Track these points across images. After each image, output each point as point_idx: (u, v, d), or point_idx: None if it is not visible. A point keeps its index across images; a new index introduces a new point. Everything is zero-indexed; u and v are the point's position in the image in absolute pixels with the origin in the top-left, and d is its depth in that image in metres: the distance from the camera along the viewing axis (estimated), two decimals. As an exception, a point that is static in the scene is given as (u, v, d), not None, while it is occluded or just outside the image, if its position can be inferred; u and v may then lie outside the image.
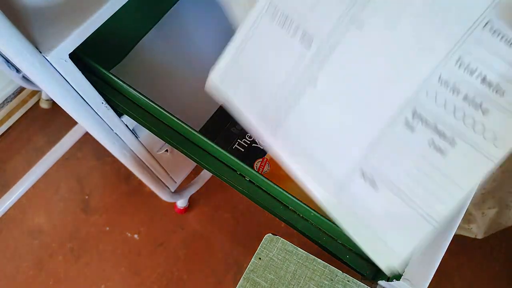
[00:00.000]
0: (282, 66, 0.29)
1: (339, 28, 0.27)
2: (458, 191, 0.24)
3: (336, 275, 0.34)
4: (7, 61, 0.65)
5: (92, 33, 0.36)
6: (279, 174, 0.43)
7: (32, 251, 0.87)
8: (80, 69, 0.37)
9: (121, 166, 0.56)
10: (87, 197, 0.92)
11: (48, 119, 1.00)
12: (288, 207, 0.37)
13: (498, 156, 0.23)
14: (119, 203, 0.91)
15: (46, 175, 0.80)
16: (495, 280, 0.79)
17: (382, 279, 0.34)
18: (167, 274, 0.84)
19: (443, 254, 0.34)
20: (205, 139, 0.38)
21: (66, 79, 0.37)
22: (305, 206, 0.35)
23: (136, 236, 0.88)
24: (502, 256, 0.80)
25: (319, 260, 0.35)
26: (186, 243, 0.87)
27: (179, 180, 0.71)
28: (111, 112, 0.44)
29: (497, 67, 0.23)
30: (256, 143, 0.44)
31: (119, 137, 0.49)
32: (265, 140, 0.31)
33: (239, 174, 0.38)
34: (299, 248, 0.35)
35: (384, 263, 0.26)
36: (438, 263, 0.34)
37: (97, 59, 0.40)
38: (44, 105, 0.99)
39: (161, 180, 0.65)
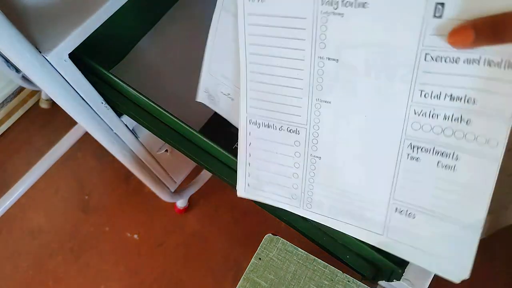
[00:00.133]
0: (287, 156, 0.33)
1: (313, 112, 0.31)
2: (482, 194, 0.26)
3: (336, 275, 0.34)
4: (7, 61, 0.65)
5: (92, 33, 0.36)
6: (279, 174, 0.43)
7: (32, 251, 0.87)
8: (80, 69, 0.37)
9: (121, 166, 0.56)
10: (87, 197, 0.92)
11: (48, 119, 1.00)
12: (288, 207, 0.37)
13: (497, 155, 0.25)
14: (119, 203, 0.91)
15: (46, 175, 0.80)
16: (495, 280, 0.79)
17: (382, 279, 0.34)
18: (167, 274, 0.84)
19: (443, 254, 0.34)
20: (205, 139, 0.38)
21: (66, 79, 0.37)
22: (305, 206, 0.35)
23: (135, 236, 0.88)
24: (502, 256, 0.80)
25: (319, 260, 0.35)
26: (186, 243, 0.87)
27: (179, 180, 0.71)
28: (111, 112, 0.44)
29: (456, 82, 0.25)
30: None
31: (119, 137, 0.49)
32: (303, 215, 0.34)
33: (239, 174, 0.38)
34: (299, 248, 0.35)
35: (456, 277, 0.29)
36: (438, 263, 0.34)
37: (96, 59, 0.40)
38: (44, 105, 0.99)
39: (161, 180, 0.65)
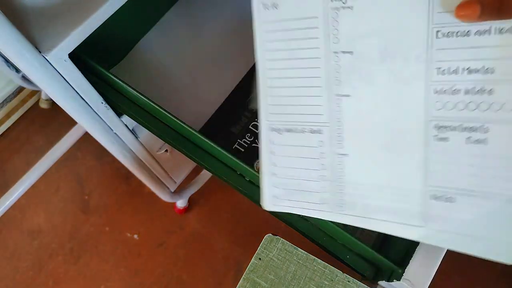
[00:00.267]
0: (313, 158, 0.33)
1: (334, 109, 0.31)
2: None
3: (336, 276, 0.34)
4: (7, 61, 0.65)
5: (92, 33, 0.36)
6: (279, 174, 0.43)
7: (32, 251, 0.87)
8: (79, 69, 0.37)
9: (121, 166, 0.56)
10: (86, 197, 0.92)
11: (48, 119, 1.00)
12: (288, 207, 0.37)
13: None
14: (119, 203, 0.91)
15: (45, 175, 0.80)
16: (496, 280, 0.79)
17: (382, 279, 0.34)
18: (167, 274, 0.84)
19: (443, 254, 0.34)
20: (205, 139, 0.38)
21: (66, 79, 0.37)
22: (305, 206, 0.35)
23: (136, 236, 0.88)
24: (502, 256, 0.80)
25: (319, 260, 0.35)
26: (186, 243, 0.87)
27: (179, 180, 0.71)
28: (110, 112, 0.44)
29: (471, 55, 0.25)
30: (256, 143, 0.44)
31: (118, 137, 0.49)
32: (335, 219, 0.33)
33: (239, 174, 0.38)
34: (299, 248, 0.35)
35: (509, 258, 0.28)
36: (439, 263, 0.34)
37: (96, 59, 0.40)
38: (43, 105, 0.99)
39: (161, 180, 0.65)
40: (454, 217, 0.29)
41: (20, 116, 0.99)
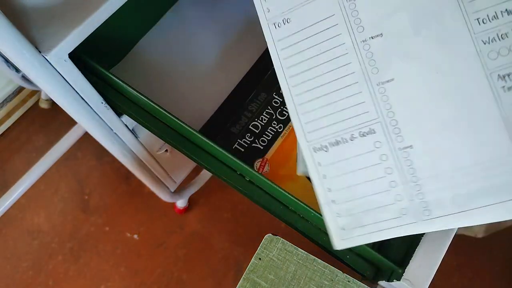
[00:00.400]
0: (374, 165, 0.28)
1: (380, 100, 0.28)
2: None
3: (337, 276, 0.34)
4: (7, 60, 0.65)
5: (92, 33, 0.36)
6: (279, 174, 0.43)
7: (32, 251, 0.87)
8: (79, 69, 0.37)
9: (121, 166, 0.56)
10: (86, 197, 0.92)
11: (48, 119, 1.00)
12: (288, 207, 0.37)
13: None
14: (119, 203, 0.91)
15: (45, 175, 0.80)
16: (495, 280, 0.79)
17: (382, 279, 0.34)
18: (167, 274, 0.84)
19: (443, 254, 0.34)
20: (205, 139, 0.38)
21: (66, 79, 0.37)
22: (305, 206, 0.35)
23: (136, 236, 0.88)
24: (502, 255, 0.80)
25: (319, 260, 0.35)
26: (186, 243, 0.87)
27: (179, 180, 0.71)
28: (110, 112, 0.44)
29: None
30: (256, 143, 0.44)
31: (118, 137, 0.49)
32: (426, 229, 0.29)
33: (239, 174, 0.38)
34: (299, 248, 0.35)
35: None
36: (439, 263, 0.34)
37: (96, 59, 0.40)
38: (43, 105, 0.99)
39: (160, 180, 0.65)
40: None
41: (20, 116, 0.99)
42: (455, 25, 0.26)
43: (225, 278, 0.83)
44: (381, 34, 0.27)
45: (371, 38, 0.28)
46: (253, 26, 0.55)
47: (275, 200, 0.37)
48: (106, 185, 0.93)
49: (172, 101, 0.50)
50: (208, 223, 0.88)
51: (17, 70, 0.69)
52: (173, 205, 0.88)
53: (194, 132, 0.38)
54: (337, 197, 0.29)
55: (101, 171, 0.94)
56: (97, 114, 0.43)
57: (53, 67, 0.35)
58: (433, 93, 0.27)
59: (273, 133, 0.44)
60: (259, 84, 0.47)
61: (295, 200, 0.35)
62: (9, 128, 0.98)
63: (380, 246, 0.39)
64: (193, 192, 0.85)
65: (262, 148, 0.44)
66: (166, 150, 0.59)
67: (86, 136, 0.74)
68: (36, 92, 0.98)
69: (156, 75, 0.53)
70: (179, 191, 0.76)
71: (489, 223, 0.65)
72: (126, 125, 0.48)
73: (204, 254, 0.85)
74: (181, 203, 0.86)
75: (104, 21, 0.36)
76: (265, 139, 0.44)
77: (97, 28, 0.36)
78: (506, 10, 0.25)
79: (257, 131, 0.45)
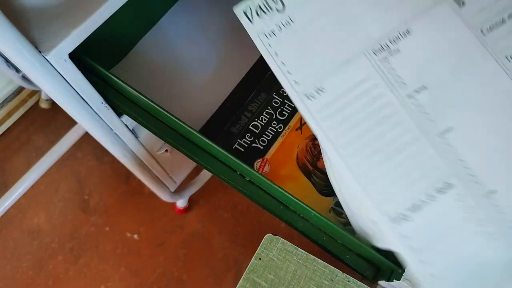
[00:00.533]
0: (462, 222, 0.26)
1: (447, 151, 0.26)
2: None
3: (337, 275, 0.34)
4: (7, 60, 0.65)
5: (92, 33, 0.36)
6: (279, 174, 0.43)
7: (32, 251, 0.87)
8: (80, 69, 0.37)
9: (121, 166, 0.56)
10: (86, 197, 0.92)
11: (48, 119, 1.00)
12: (288, 207, 0.37)
13: None
14: (119, 203, 0.91)
15: (45, 175, 0.80)
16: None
17: (382, 279, 0.34)
18: (167, 274, 0.84)
19: (443, 254, 0.34)
20: (205, 139, 0.38)
21: (66, 79, 0.37)
22: (305, 206, 0.35)
23: (136, 236, 0.88)
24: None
25: (319, 260, 0.35)
26: (186, 243, 0.87)
27: (179, 180, 0.71)
28: (111, 112, 0.44)
29: None
30: (256, 143, 0.44)
31: (119, 137, 0.49)
32: None
33: (239, 174, 0.38)
34: (299, 248, 0.35)
35: None
36: (439, 263, 0.34)
37: (97, 59, 0.40)
38: (43, 105, 0.99)
39: (161, 180, 0.65)
40: None
41: (20, 116, 0.99)
42: (488, 65, 0.26)
43: (225, 278, 0.83)
44: (424, 86, 0.27)
45: (416, 92, 0.27)
46: (253, 26, 0.55)
47: (275, 200, 0.37)
48: (106, 185, 0.93)
49: (172, 101, 0.50)
50: (208, 223, 0.88)
51: (17, 70, 0.69)
52: (173, 205, 0.88)
53: (194, 132, 0.38)
54: (436, 269, 0.26)
55: (101, 171, 0.94)
56: (97, 114, 0.43)
57: (53, 67, 0.35)
58: (496, 133, 0.26)
59: (273, 133, 0.44)
60: (259, 84, 0.47)
61: (295, 200, 0.35)
62: (9, 128, 0.98)
63: (380, 246, 0.39)
64: (193, 192, 0.85)
65: (262, 148, 0.44)
66: (166, 150, 0.59)
67: (86, 136, 0.74)
68: (36, 92, 0.98)
69: (156, 75, 0.53)
70: (179, 191, 0.76)
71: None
72: (126, 125, 0.48)
73: (204, 254, 0.85)
74: (181, 203, 0.86)
75: (104, 21, 0.36)
76: (265, 139, 0.44)
77: (97, 28, 0.36)
78: None
79: (257, 131, 0.45)
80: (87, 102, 0.41)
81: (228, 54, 0.53)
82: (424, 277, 0.27)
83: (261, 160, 0.43)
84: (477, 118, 0.27)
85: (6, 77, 0.88)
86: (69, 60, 0.36)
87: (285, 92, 0.46)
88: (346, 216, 0.40)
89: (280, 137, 0.44)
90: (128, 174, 0.92)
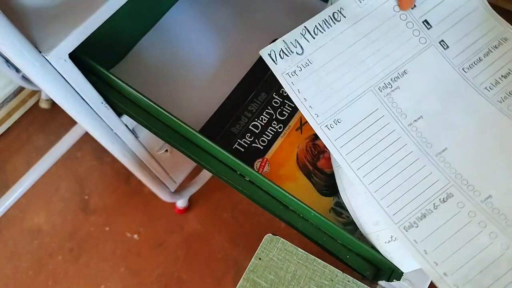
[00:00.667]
0: (465, 226, 0.30)
1: (445, 167, 0.32)
2: None
3: (336, 275, 0.34)
4: (7, 60, 0.65)
5: (92, 33, 0.36)
6: (279, 174, 0.43)
7: (32, 251, 0.87)
8: (80, 69, 0.37)
9: (121, 166, 0.56)
10: (86, 197, 0.92)
11: (48, 119, 1.00)
12: (288, 207, 0.37)
13: None
14: (119, 203, 0.91)
15: (45, 175, 0.80)
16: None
17: (382, 279, 0.34)
18: (167, 274, 0.84)
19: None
20: (205, 139, 0.38)
21: (66, 79, 0.37)
22: (305, 206, 0.35)
23: (136, 236, 0.88)
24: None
25: (319, 260, 0.35)
26: (186, 243, 0.87)
27: (179, 180, 0.71)
28: (111, 112, 0.44)
29: (495, 69, 0.34)
30: (256, 143, 0.44)
31: (119, 137, 0.49)
32: None
33: (239, 174, 0.38)
34: (299, 248, 0.35)
35: None
36: (438, 263, 0.34)
37: (97, 59, 0.40)
38: (43, 105, 0.99)
39: (161, 180, 0.65)
40: None
41: (20, 116, 0.99)
42: (472, 97, 0.32)
43: (225, 278, 0.83)
44: (421, 116, 0.33)
45: (415, 121, 0.33)
46: (253, 26, 0.55)
47: (275, 200, 0.37)
48: (106, 185, 0.93)
49: (172, 101, 0.50)
50: (208, 223, 0.88)
51: (17, 70, 0.69)
52: (173, 205, 0.88)
53: (194, 132, 0.38)
54: (447, 268, 0.29)
55: (101, 171, 0.94)
56: (97, 114, 0.43)
57: (53, 67, 0.35)
58: (484, 149, 0.31)
59: (273, 133, 0.44)
60: (259, 84, 0.47)
61: (295, 200, 0.35)
62: (9, 128, 0.99)
63: (380, 246, 0.39)
64: (193, 192, 0.85)
65: (262, 148, 0.44)
66: (166, 150, 0.59)
67: (86, 136, 0.74)
68: (36, 92, 0.98)
69: (156, 75, 0.53)
70: (179, 191, 0.76)
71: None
72: (126, 125, 0.48)
73: (204, 254, 0.85)
74: (181, 203, 0.86)
75: (104, 22, 0.36)
76: (265, 139, 0.44)
77: (97, 28, 0.36)
78: (501, 76, 0.32)
79: (257, 131, 0.45)
80: (87, 102, 0.41)
81: (228, 54, 0.53)
82: (437, 277, 0.30)
83: (261, 160, 0.43)
84: (467, 138, 0.32)
85: (6, 77, 0.88)
86: (69, 60, 0.36)
87: (285, 92, 0.46)
88: (346, 216, 0.40)
89: (280, 137, 0.44)
90: (128, 174, 0.92)
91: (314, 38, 0.34)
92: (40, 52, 0.33)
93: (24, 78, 0.73)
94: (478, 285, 0.28)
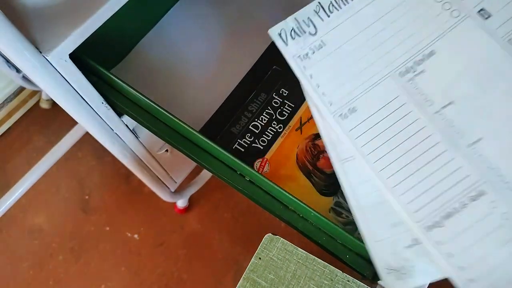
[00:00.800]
0: (496, 228, 0.26)
1: (476, 160, 0.27)
2: None
3: (336, 275, 0.34)
4: (7, 61, 0.65)
5: (92, 33, 0.36)
6: (279, 174, 0.43)
7: (32, 251, 0.87)
8: (80, 69, 0.37)
9: (121, 166, 0.56)
10: (87, 197, 0.92)
11: (48, 119, 1.00)
12: (288, 207, 0.37)
13: None
14: (119, 203, 0.91)
15: (46, 175, 0.80)
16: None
17: (381, 279, 0.34)
18: (167, 274, 0.84)
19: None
20: (205, 139, 0.38)
21: (66, 79, 0.37)
22: (305, 206, 0.35)
23: (136, 236, 0.88)
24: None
25: (319, 260, 0.35)
26: (186, 243, 0.87)
27: (179, 180, 0.71)
28: (111, 112, 0.44)
29: None
30: (256, 143, 0.44)
31: (119, 137, 0.49)
32: None
33: (239, 174, 0.38)
34: (299, 248, 0.35)
35: None
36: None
37: (97, 59, 0.40)
38: (44, 105, 0.99)
39: (161, 180, 0.65)
40: None
41: (21, 116, 0.99)
42: None
43: (225, 278, 0.83)
44: (451, 102, 0.29)
45: (443, 108, 0.29)
46: (253, 27, 0.55)
47: (275, 200, 0.37)
48: (107, 185, 0.93)
49: (172, 101, 0.50)
50: (208, 223, 0.88)
51: (17, 70, 0.69)
52: (173, 205, 0.88)
53: (194, 132, 0.38)
54: (474, 274, 0.26)
55: (101, 171, 0.94)
56: (98, 114, 0.43)
57: (53, 67, 0.35)
58: None
59: (273, 133, 0.44)
60: (259, 84, 0.47)
61: (295, 200, 0.35)
62: (9, 128, 0.99)
63: (380, 246, 0.39)
64: (193, 192, 0.85)
65: (262, 148, 0.44)
66: (167, 150, 0.59)
67: (87, 136, 0.74)
68: (37, 92, 0.98)
69: (157, 75, 0.53)
70: (179, 191, 0.76)
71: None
72: (126, 125, 0.48)
73: (204, 254, 0.85)
74: (181, 203, 0.86)
75: (105, 22, 0.36)
76: (265, 139, 0.44)
77: (97, 29, 0.36)
78: None
79: (257, 131, 0.45)
80: (87, 102, 0.41)
81: (228, 55, 0.54)
82: (462, 283, 0.27)
83: (261, 160, 0.43)
84: (507, 126, 0.27)
85: (6, 78, 0.88)
86: (69, 61, 0.36)
87: (285, 92, 0.46)
88: (346, 216, 0.40)
89: (280, 137, 0.44)
90: (128, 174, 0.92)
91: (329, 16, 0.31)
92: (40, 52, 0.33)
93: (25, 78, 0.73)
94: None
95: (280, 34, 0.32)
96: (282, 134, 0.44)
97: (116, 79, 0.40)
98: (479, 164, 0.27)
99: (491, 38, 0.28)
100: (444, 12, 0.30)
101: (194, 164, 0.70)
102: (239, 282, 0.34)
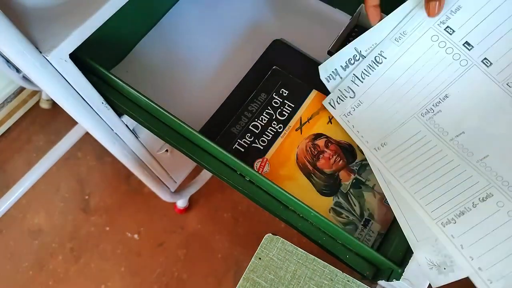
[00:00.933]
0: (504, 223, 0.30)
1: (485, 171, 0.33)
2: None
3: (336, 275, 0.34)
4: (7, 61, 0.65)
5: (92, 33, 0.36)
6: (279, 174, 0.43)
7: (32, 251, 0.87)
8: (80, 69, 0.37)
9: (121, 166, 0.56)
10: (87, 197, 0.92)
11: (48, 119, 1.00)
12: (288, 207, 0.37)
13: None
14: (119, 203, 0.91)
15: (46, 175, 0.80)
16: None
17: (382, 279, 0.34)
18: (167, 274, 0.84)
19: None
20: (205, 139, 0.38)
21: (66, 79, 0.37)
22: (305, 206, 0.35)
23: (136, 236, 0.88)
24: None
25: (319, 260, 0.35)
26: (186, 243, 0.87)
27: (179, 180, 0.71)
28: (111, 112, 0.44)
29: None
30: (256, 143, 0.44)
31: (119, 137, 0.49)
32: None
33: (239, 174, 0.38)
34: (299, 248, 0.35)
35: None
36: (438, 263, 0.34)
37: (97, 59, 0.40)
38: (44, 105, 0.99)
39: (161, 180, 0.65)
40: None
41: (21, 116, 0.99)
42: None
43: (225, 278, 0.83)
44: (462, 132, 0.35)
45: (456, 137, 0.35)
46: (253, 27, 0.55)
47: (275, 200, 0.37)
48: (107, 185, 0.93)
49: (172, 101, 0.50)
50: (208, 223, 0.88)
51: (17, 70, 0.69)
52: (173, 205, 0.88)
53: (194, 132, 0.38)
54: (482, 263, 0.30)
55: (101, 171, 0.94)
56: (98, 114, 0.43)
57: (53, 67, 0.35)
58: None
59: (273, 133, 0.44)
60: (259, 84, 0.47)
61: (295, 200, 0.35)
62: (9, 128, 0.99)
63: (380, 246, 0.39)
64: (193, 192, 0.85)
65: (262, 148, 0.44)
66: (167, 150, 0.59)
67: (87, 136, 0.74)
68: (37, 92, 0.98)
69: (157, 75, 0.53)
70: (179, 191, 0.76)
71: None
72: (126, 125, 0.48)
73: (204, 254, 0.85)
74: (181, 203, 0.86)
75: (105, 22, 0.36)
76: (265, 139, 0.44)
77: (97, 29, 0.36)
78: None
79: (257, 131, 0.45)
80: (87, 102, 0.41)
81: (228, 55, 0.54)
82: (472, 271, 0.30)
83: (261, 160, 0.43)
84: (508, 146, 0.33)
85: (6, 78, 0.88)
86: (69, 61, 0.36)
87: (285, 92, 0.46)
88: (346, 216, 0.41)
89: (280, 137, 0.44)
90: (129, 174, 0.92)
91: (362, 82, 0.40)
92: (40, 52, 0.33)
93: (25, 78, 0.73)
94: (511, 281, 0.29)
95: (329, 103, 0.43)
96: (282, 134, 0.44)
97: (116, 79, 0.40)
98: (487, 173, 0.32)
99: (492, 82, 0.34)
100: (454, 62, 0.36)
101: (194, 164, 0.70)
102: (239, 282, 0.34)
